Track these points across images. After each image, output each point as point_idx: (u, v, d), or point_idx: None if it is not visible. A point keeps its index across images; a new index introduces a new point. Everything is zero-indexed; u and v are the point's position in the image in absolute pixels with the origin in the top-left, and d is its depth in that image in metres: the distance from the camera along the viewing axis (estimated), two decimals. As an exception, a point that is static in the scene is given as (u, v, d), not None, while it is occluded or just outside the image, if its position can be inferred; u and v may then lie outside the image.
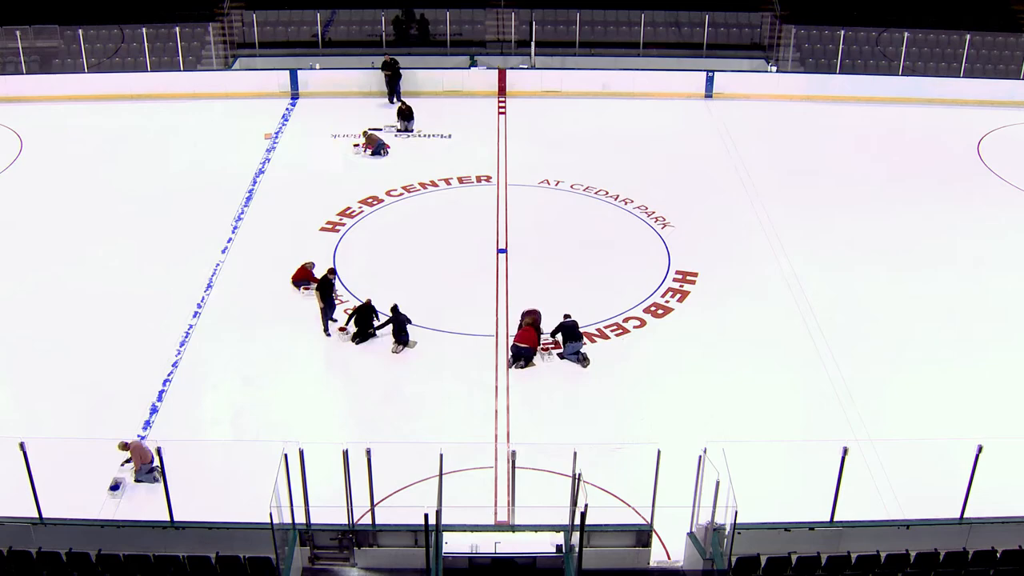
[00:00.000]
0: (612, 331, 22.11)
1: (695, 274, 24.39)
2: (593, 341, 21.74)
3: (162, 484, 13.87)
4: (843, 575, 14.16)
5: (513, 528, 14.59)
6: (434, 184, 29.03)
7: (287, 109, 34.57)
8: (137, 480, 17.38)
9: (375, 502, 14.37)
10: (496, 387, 20.33)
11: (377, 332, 21.42)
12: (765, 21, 38.84)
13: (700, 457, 13.92)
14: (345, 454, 13.89)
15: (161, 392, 19.97)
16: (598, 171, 29.84)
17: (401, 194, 28.45)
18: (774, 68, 37.14)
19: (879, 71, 36.78)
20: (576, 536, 13.39)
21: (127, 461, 17.53)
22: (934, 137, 32.92)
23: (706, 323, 22.50)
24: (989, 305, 23.24)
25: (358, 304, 21.86)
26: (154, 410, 19.46)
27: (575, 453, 13.99)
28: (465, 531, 14.41)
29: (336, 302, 22.21)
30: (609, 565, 14.46)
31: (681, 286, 23.91)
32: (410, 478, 17.32)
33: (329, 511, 14.56)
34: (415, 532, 14.27)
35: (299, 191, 28.59)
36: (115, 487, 17.23)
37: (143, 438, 18.21)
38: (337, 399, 20.03)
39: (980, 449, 14.08)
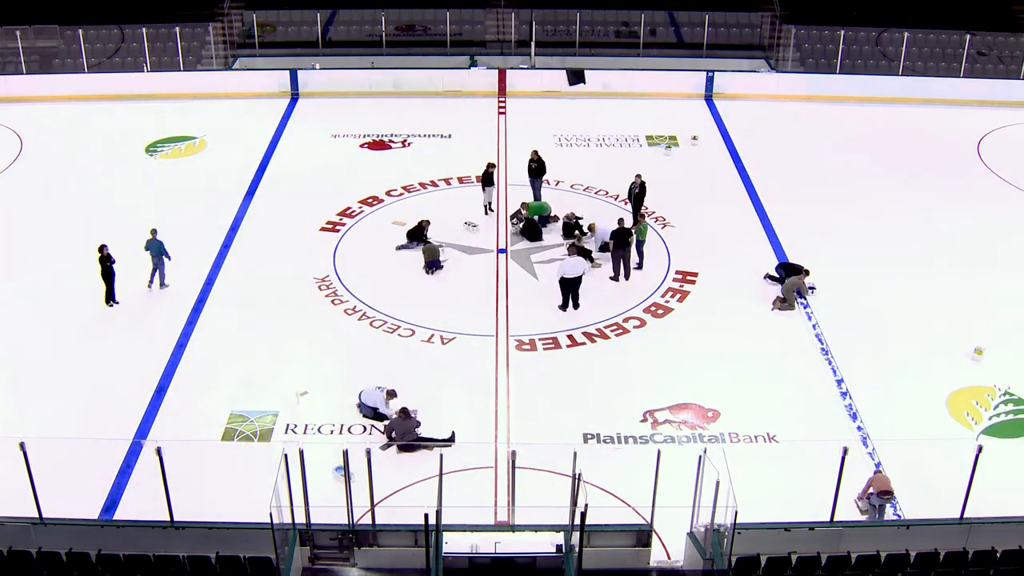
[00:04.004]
0: (612, 331, 22.11)
1: (695, 274, 24.39)
2: (593, 341, 21.76)
3: (162, 484, 13.85)
4: (843, 575, 14.16)
5: (513, 528, 14.59)
6: (434, 184, 29.04)
7: (287, 109, 34.57)
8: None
9: (375, 502, 14.36)
10: (496, 387, 20.33)
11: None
12: (765, 21, 38.88)
13: (700, 457, 13.92)
14: (345, 454, 13.90)
15: (161, 392, 19.98)
16: (598, 171, 29.84)
17: (401, 194, 28.46)
18: (764, 71, 37.24)
19: (879, 71, 36.79)
20: (576, 536, 13.39)
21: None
22: (934, 137, 32.91)
23: (706, 323, 22.50)
24: (989, 304, 23.23)
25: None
26: (154, 410, 19.47)
27: (575, 453, 13.98)
28: (465, 531, 14.41)
29: None
30: (609, 565, 14.46)
31: (681, 286, 23.92)
32: (410, 478, 17.33)
33: (329, 511, 14.56)
34: (415, 532, 14.27)
35: (299, 191, 28.60)
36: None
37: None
38: (337, 399, 19.99)
39: (980, 449, 14.08)
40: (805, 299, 22.44)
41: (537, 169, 27.32)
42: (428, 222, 25.31)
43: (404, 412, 18.49)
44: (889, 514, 16.96)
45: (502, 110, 34.62)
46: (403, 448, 18.22)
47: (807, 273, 22.97)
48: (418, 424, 18.49)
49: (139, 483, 17.36)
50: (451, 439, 18.39)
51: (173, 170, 30.11)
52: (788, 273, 23.04)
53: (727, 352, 21.38)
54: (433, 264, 24.25)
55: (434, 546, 13.47)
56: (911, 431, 18.81)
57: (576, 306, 22.72)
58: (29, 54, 36.08)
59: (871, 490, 17.04)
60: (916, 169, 30.42)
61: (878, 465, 18.19)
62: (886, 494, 16.96)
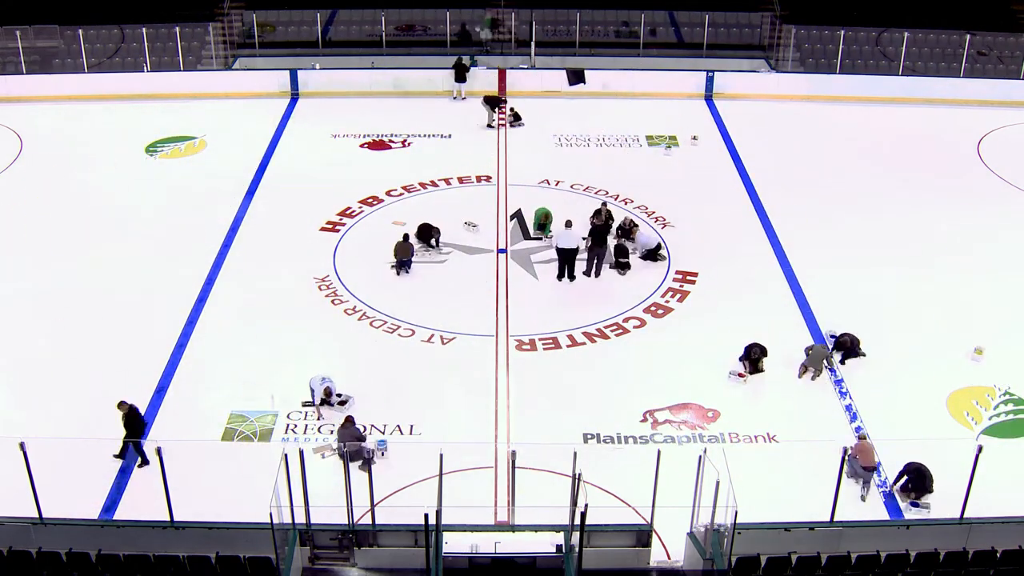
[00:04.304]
0: (612, 331, 22.12)
1: (695, 274, 24.39)
2: (593, 341, 21.77)
3: (162, 484, 13.85)
4: (843, 575, 14.17)
5: (513, 528, 14.60)
6: (434, 184, 29.04)
7: (287, 109, 34.57)
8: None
9: (375, 502, 14.37)
10: (496, 387, 20.33)
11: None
12: (765, 21, 38.86)
13: (700, 457, 13.92)
14: (345, 454, 13.89)
15: (161, 392, 19.98)
16: (598, 171, 29.85)
17: (401, 194, 28.45)
18: (764, 71, 37.26)
19: (879, 71, 36.77)
20: (576, 536, 13.40)
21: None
22: (934, 137, 32.90)
23: (706, 323, 22.50)
24: (989, 304, 23.24)
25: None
26: (154, 410, 19.47)
27: (575, 453, 13.99)
28: (465, 531, 14.42)
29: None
30: (609, 565, 14.46)
31: (681, 286, 23.92)
32: (410, 478, 17.33)
33: (329, 511, 14.56)
34: (415, 532, 14.28)
35: (299, 191, 28.60)
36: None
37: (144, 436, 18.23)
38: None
39: (980, 449, 14.09)
40: (833, 368, 20.71)
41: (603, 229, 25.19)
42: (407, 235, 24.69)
43: (349, 420, 18.22)
44: (875, 491, 16.96)
45: (502, 111, 34.59)
46: (346, 456, 17.51)
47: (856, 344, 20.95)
48: (362, 437, 18.15)
49: (139, 483, 17.37)
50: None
51: (173, 170, 30.10)
52: (840, 347, 21.03)
53: (727, 352, 21.36)
54: (403, 264, 24.07)
55: (434, 546, 13.47)
56: (911, 431, 18.82)
57: (572, 277, 23.57)
58: (29, 54, 36.05)
59: (855, 455, 17.09)
60: (916, 169, 30.41)
61: (859, 429, 18.18)
62: (869, 469, 16.95)
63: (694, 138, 32.12)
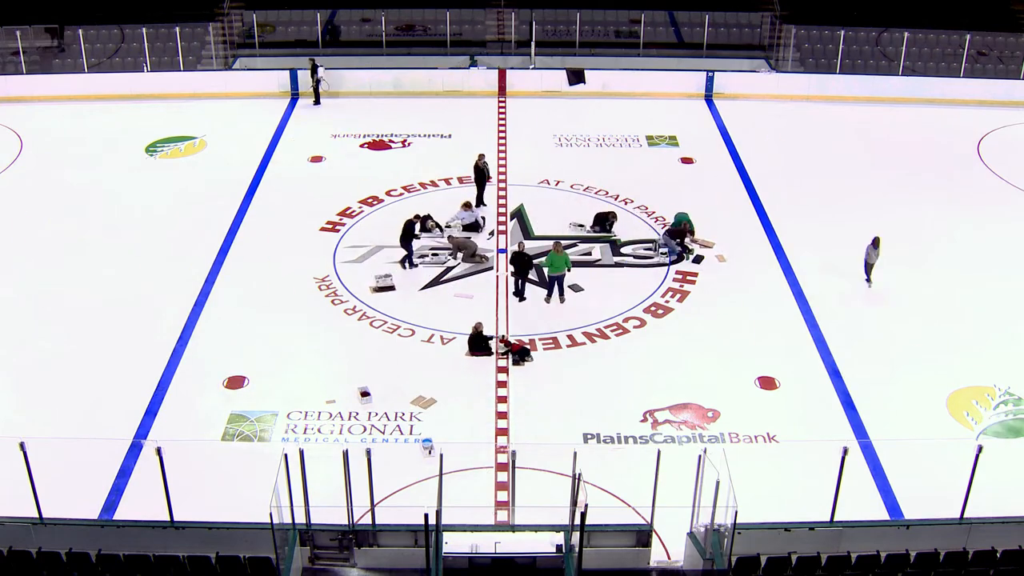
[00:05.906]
0: (612, 331, 22.12)
1: (695, 274, 24.39)
2: (593, 341, 21.76)
3: (162, 484, 13.85)
4: (843, 575, 14.17)
5: (513, 528, 14.59)
6: (434, 184, 29.03)
7: (287, 109, 34.56)
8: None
9: (375, 502, 14.37)
10: (496, 387, 20.33)
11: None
12: (765, 21, 38.86)
13: (700, 457, 13.93)
14: (345, 454, 13.90)
15: (162, 392, 19.98)
16: (598, 171, 29.85)
17: (401, 194, 28.45)
18: (764, 71, 37.25)
19: (879, 71, 36.77)
20: (576, 536, 13.39)
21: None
22: (934, 137, 32.91)
23: (706, 323, 22.51)
24: (989, 304, 23.24)
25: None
26: (154, 410, 19.47)
27: (575, 453, 13.99)
28: (465, 531, 14.42)
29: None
30: (609, 565, 14.46)
31: (681, 286, 23.92)
32: (410, 478, 17.34)
33: (329, 511, 14.56)
34: (415, 532, 14.28)
35: (299, 191, 28.60)
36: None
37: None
38: (338, 399, 20.00)
39: (980, 449, 14.09)
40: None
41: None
42: None
43: (467, 205, 19.99)
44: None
45: (502, 110, 34.59)
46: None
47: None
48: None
49: (139, 483, 17.38)
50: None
51: (173, 170, 30.09)
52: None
53: (727, 352, 21.38)
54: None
55: (434, 546, 13.47)
56: (911, 431, 18.82)
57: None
58: (29, 54, 36.06)
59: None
60: (916, 169, 30.41)
61: None
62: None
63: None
